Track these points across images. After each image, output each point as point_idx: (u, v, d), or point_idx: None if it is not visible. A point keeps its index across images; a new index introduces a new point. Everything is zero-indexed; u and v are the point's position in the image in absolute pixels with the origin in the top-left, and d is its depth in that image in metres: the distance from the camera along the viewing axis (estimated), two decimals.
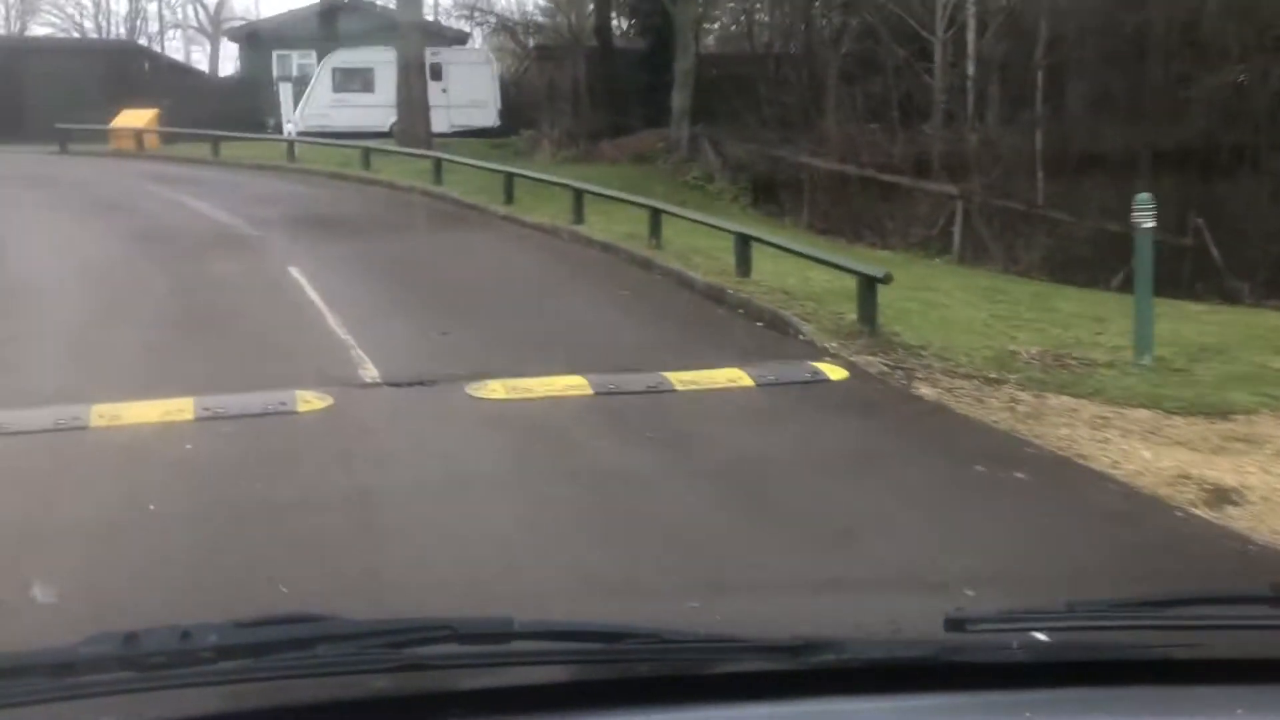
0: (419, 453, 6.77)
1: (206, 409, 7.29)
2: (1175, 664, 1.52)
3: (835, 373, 8.55)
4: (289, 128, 34.33)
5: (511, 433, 7.10)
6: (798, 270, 12.09)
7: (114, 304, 10.68)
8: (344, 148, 23.38)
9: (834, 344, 9.29)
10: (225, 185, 19.67)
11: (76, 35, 50.87)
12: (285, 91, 26.75)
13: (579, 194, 15.59)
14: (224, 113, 36.18)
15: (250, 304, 10.77)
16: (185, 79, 39.74)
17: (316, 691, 1.36)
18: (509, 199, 17.51)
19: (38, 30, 55.73)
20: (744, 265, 11.61)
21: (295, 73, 38.34)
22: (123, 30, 52.32)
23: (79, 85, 35.28)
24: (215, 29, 59.11)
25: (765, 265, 11.79)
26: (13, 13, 59.90)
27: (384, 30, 37.87)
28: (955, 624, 1.56)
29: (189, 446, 6.68)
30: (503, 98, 34.80)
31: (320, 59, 37.81)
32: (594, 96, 28.56)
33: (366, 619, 1.52)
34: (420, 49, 26.45)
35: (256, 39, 38.05)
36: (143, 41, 43.93)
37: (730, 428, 7.35)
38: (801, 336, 9.67)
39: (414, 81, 26.15)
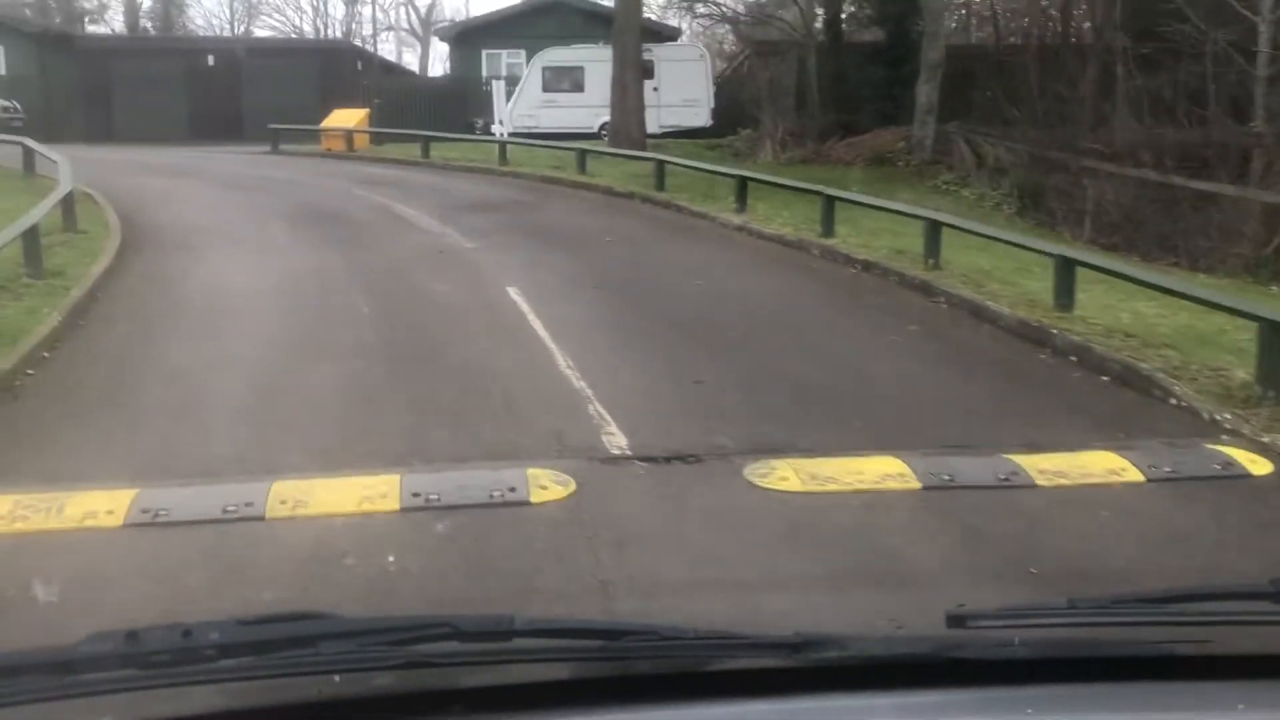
0: (703, 593, 4.74)
1: (415, 494, 5.48)
2: (1177, 660, 1.49)
3: (1254, 463, 6.13)
4: (497, 128, 33.41)
5: (827, 559, 4.98)
6: (1121, 302, 9.62)
7: (310, 329, 9.12)
8: (556, 149, 21.87)
9: (1228, 415, 6.83)
10: (435, 189, 18.30)
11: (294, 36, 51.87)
12: (499, 90, 25.44)
13: (829, 201, 13.40)
14: (433, 113, 35.58)
15: (465, 334, 9.02)
16: (396, 79, 39.39)
17: (318, 689, 1.34)
18: (741, 206, 15.51)
19: (258, 34, 57.35)
20: (1066, 296, 9.17)
21: (505, 72, 37.47)
22: (339, 35, 53.07)
23: (293, 86, 35.23)
24: (425, 30, 59.58)
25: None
26: (236, 16, 61.93)
27: (594, 27, 36.63)
28: (956, 620, 1.53)
29: (391, 560, 4.84)
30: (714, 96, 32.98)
31: (530, 58, 36.79)
32: (821, 92, 26.27)
33: (368, 617, 1.54)
34: (638, 46, 24.73)
35: (466, 38, 37.30)
36: (356, 43, 44.04)
37: (1148, 558, 5.05)
38: (1175, 401, 7.22)
39: (630, 80, 24.47)
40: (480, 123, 34.26)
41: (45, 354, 8.02)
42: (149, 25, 59.43)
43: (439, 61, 61.94)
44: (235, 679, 1.35)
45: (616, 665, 1.45)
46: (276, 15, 64.63)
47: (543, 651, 1.46)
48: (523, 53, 37.05)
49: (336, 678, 1.36)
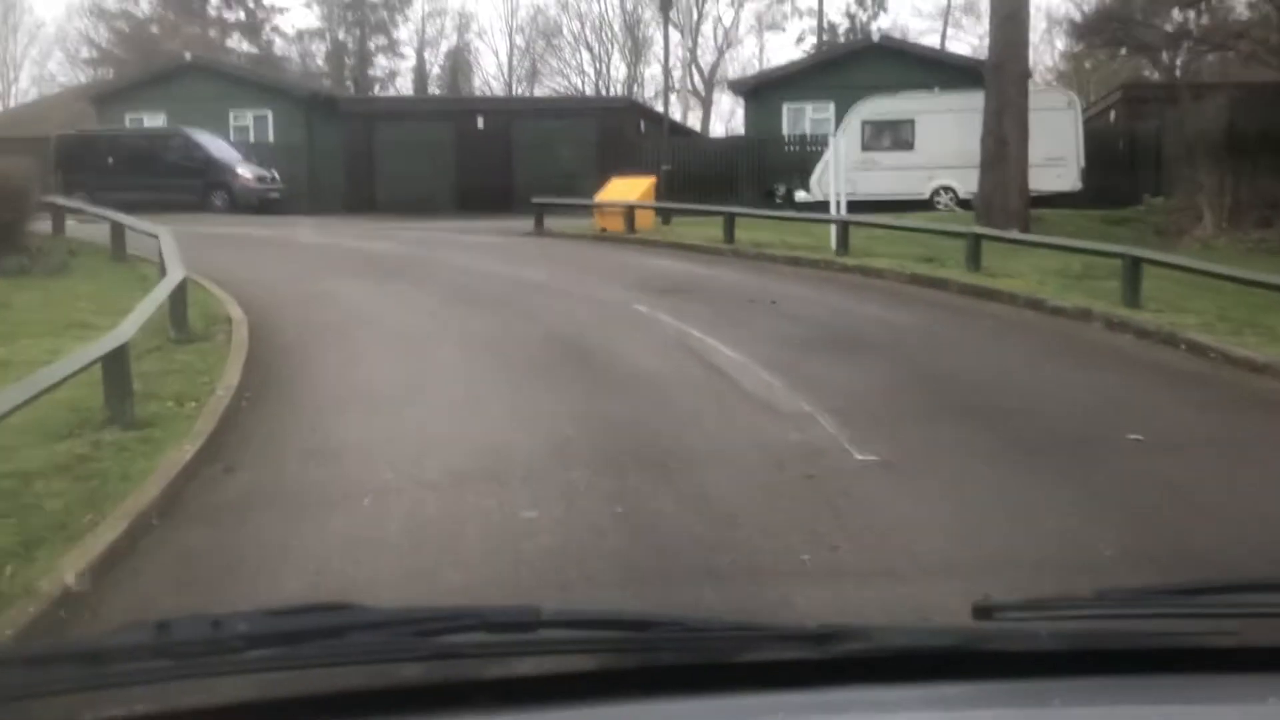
0: None
1: None
2: (1205, 653, 1.45)
3: None
4: (803, 195, 26.77)
5: None
6: None
7: None
8: (914, 231, 15.03)
9: None
10: (756, 301, 11.49)
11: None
12: (836, 149, 18.58)
13: None
14: (724, 178, 29.52)
15: None
16: (681, 141, 33.65)
17: (346, 680, 1.32)
18: None
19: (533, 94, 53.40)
20: None
21: (808, 129, 30.95)
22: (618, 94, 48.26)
23: (569, 150, 29.87)
24: (708, 88, 54.18)
25: None
26: (516, 77, 58.51)
27: (916, 73, 29.56)
28: (983, 612, 1.49)
29: None
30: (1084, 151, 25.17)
31: (838, 111, 30.01)
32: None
33: (395, 608, 1.50)
34: (1023, 87, 17.51)
35: (763, 92, 31.03)
36: (638, 100, 38.54)
37: None
38: None
39: (1011, 132, 17.22)
40: (781, 189, 27.76)
41: None
42: (438, 93, 57.05)
43: (720, 120, 56.51)
44: (264, 669, 1.31)
45: (643, 656, 1.40)
46: (558, 78, 61.05)
47: (569, 642, 1.41)
48: (830, 106, 30.38)
49: (364, 668, 1.32)
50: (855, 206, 25.06)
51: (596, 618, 1.50)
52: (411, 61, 62.58)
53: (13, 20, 57.54)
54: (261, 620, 1.37)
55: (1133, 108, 28.17)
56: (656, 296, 11.37)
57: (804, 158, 28.77)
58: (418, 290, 11.58)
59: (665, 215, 18.58)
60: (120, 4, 57.98)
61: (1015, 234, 13.60)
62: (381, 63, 62.75)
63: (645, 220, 18.28)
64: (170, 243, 10.58)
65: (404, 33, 62.16)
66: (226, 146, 29.32)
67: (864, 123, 26.41)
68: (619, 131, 29.35)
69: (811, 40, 52.22)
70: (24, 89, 56.46)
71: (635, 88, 57.84)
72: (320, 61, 61.21)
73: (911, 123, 26.25)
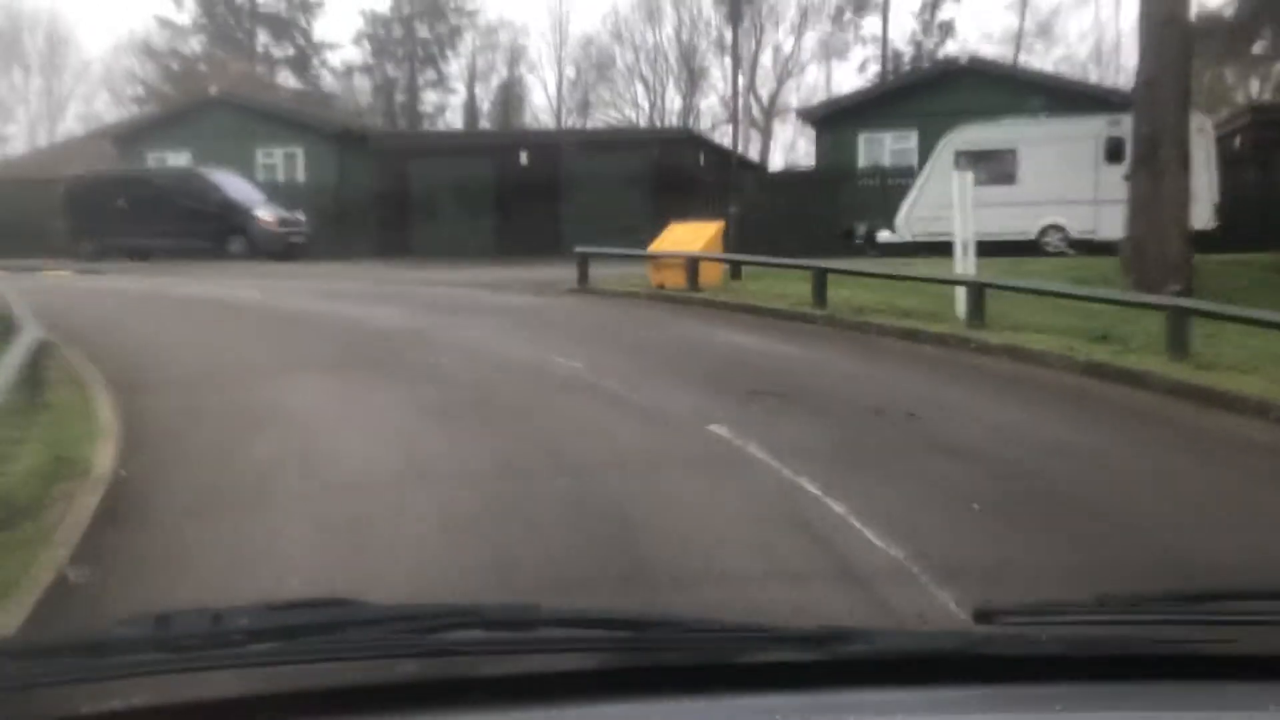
0: None
1: None
2: (1206, 659, 1.42)
3: None
4: (888, 236, 23.11)
5: None
6: None
7: None
8: (1074, 300, 11.37)
9: None
10: (889, 417, 7.57)
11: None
12: (960, 187, 14.96)
13: None
14: (794, 217, 25.96)
15: None
16: (745, 175, 30.16)
17: (344, 675, 1.31)
18: None
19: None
20: None
21: (887, 160, 27.30)
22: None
23: (621, 186, 26.49)
24: (767, 118, 50.70)
25: None
26: (565, 111, 55.44)
27: (1014, 96, 25.85)
28: (984, 616, 1.48)
29: None
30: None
31: (923, 140, 26.38)
32: None
33: (394, 604, 1.50)
34: (1183, 109, 13.80)
35: (837, 120, 27.46)
36: (696, 131, 35.05)
37: None
38: None
39: (1168, 165, 13.53)
40: (861, 229, 24.14)
41: None
42: (484, 127, 54.21)
43: (780, 152, 52.96)
44: (263, 664, 1.31)
45: (641, 656, 1.38)
46: (610, 111, 57.94)
47: (568, 641, 1.39)
48: (912, 135, 26.74)
49: (362, 664, 1.32)
50: (947, 249, 21.43)
51: (595, 617, 1.48)
52: (462, 96, 59.97)
53: (59, 59, 55.79)
54: (261, 615, 1.36)
55: (1264, 132, 24.18)
56: (739, 404, 7.76)
57: (885, 193, 25.12)
58: (405, 397, 8.03)
59: (735, 268, 15.07)
60: (169, 41, 56.06)
61: (1233, 309, 9.71)
62: (431, 98, 60.15)
63: (712, 274, 14.76)
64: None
65: (454, 67, 59.53)
66: (246, 187, 26.29)
67: (958, 154, 22.66)
68: (677, 166, 25.90)
69: (875, 69, 48.66)
70: (70, 129, 54.48)
71: (691, 120, 54.62)
72: (369, 97, 58.82)
73: (1013, 152, 22.50)
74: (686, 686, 1.32)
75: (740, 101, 39.36)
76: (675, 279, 14.74)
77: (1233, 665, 1.40)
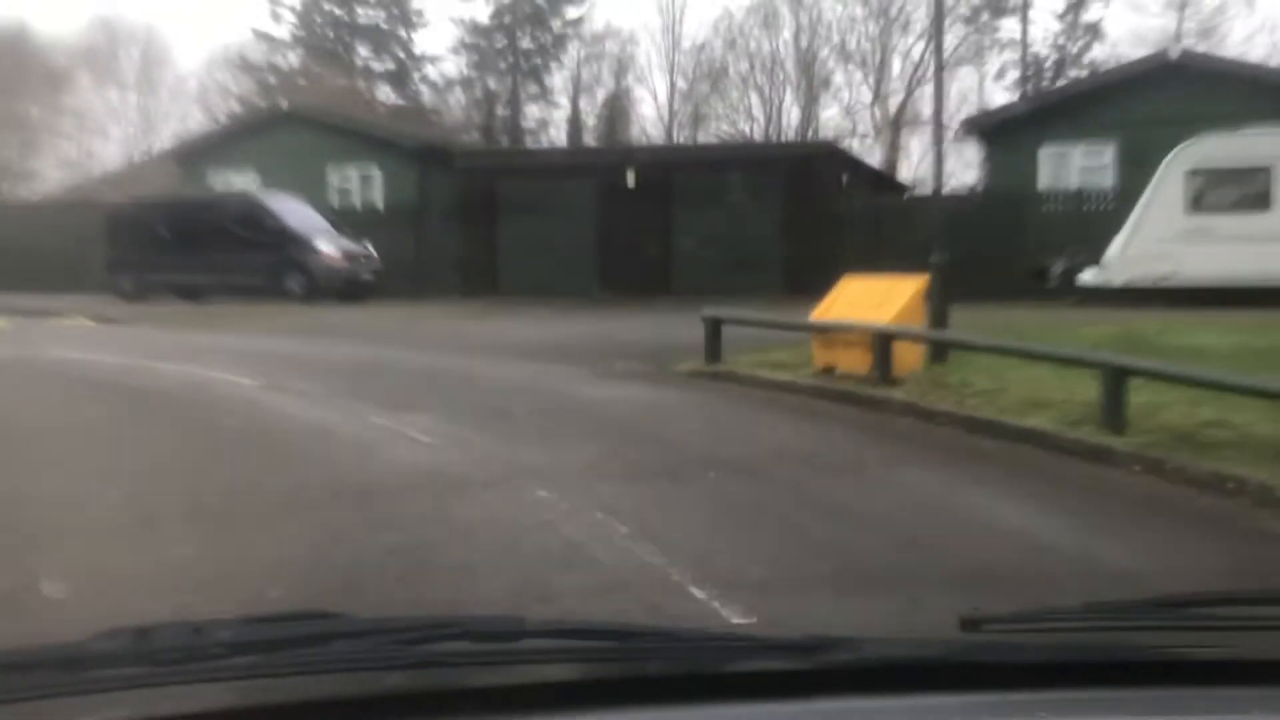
0: None
1: None
2: (1193, 665, 1.41)
3: None
4: (1093, 276, 17.80)
5: None
6: None
7: None
8: None
9: None
10: None
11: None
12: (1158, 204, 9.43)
13: None
14: (963, 252, 20.74)
15: None
16: (894, 199, 24.97)
17: (328, 688, 1.25)
18: None
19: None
20: None
21: (1075, 179, 21.92)
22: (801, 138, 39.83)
23: (747, 212, 21.74)
24: (894, 131, 45.14)
25: None
26: (676, 125, 50.79)
27: (1234, 100, 20.31)
28: (970, 624, 1.46)
29: None
30: None
31: (1123, 155, 21.03)
32: None
33: (378, 617, 1.48)
34: None
35: (1009, 131, 22.25)
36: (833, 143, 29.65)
37: None
38: None
39: None
40: (1057, 267, 18.89)
41: None
42: (590, 144, 49.96)
43: (908, 169, 47.28)
44: (245, 677, 1.26)
45: (628, 666, 1.36)
46: (723, 124, 53.13)
47: (554, 652, 1.37)
48: (1108, 149, 21.34)
49: (346, 676, 1.27)
50: (1179, 296, 16.03)
51: (581, 627, 1.46)
52: (565, 110, 55.90)
53: (155, 75, 53.30)
54: (243, 627, 1.33)
55: None
56: None
57: (1078, 220, 19.84)
58: None
59: (939, 348, 10.01)
60: (266, 56, 53.23)
61: None
62: (534, 112, 56.25)
63: (909, 355, 9.79)
64: None
65: (557, 79, 55.45)
66: (308, 213, 22.12)
67: (1189, 173, 17.27)
68: (815, 187, 20.93)
69: (1013, 75, 42.94)
70: (164, 148, 51.87)
71: (810, 134, 49.57)
72: (469, 112, 55.16)
73: (1267, 171, 17.00)
74: (673, 696, 1.28)
75: (879, 112, 34.11)
76: (853, 361, 9.80)
77: (1219, 671, 1.37)
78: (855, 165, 23.63)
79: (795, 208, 20.76)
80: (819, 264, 20.66)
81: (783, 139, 41.99)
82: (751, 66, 53.18)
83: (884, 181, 26.50)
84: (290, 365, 11.08)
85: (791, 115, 51.74)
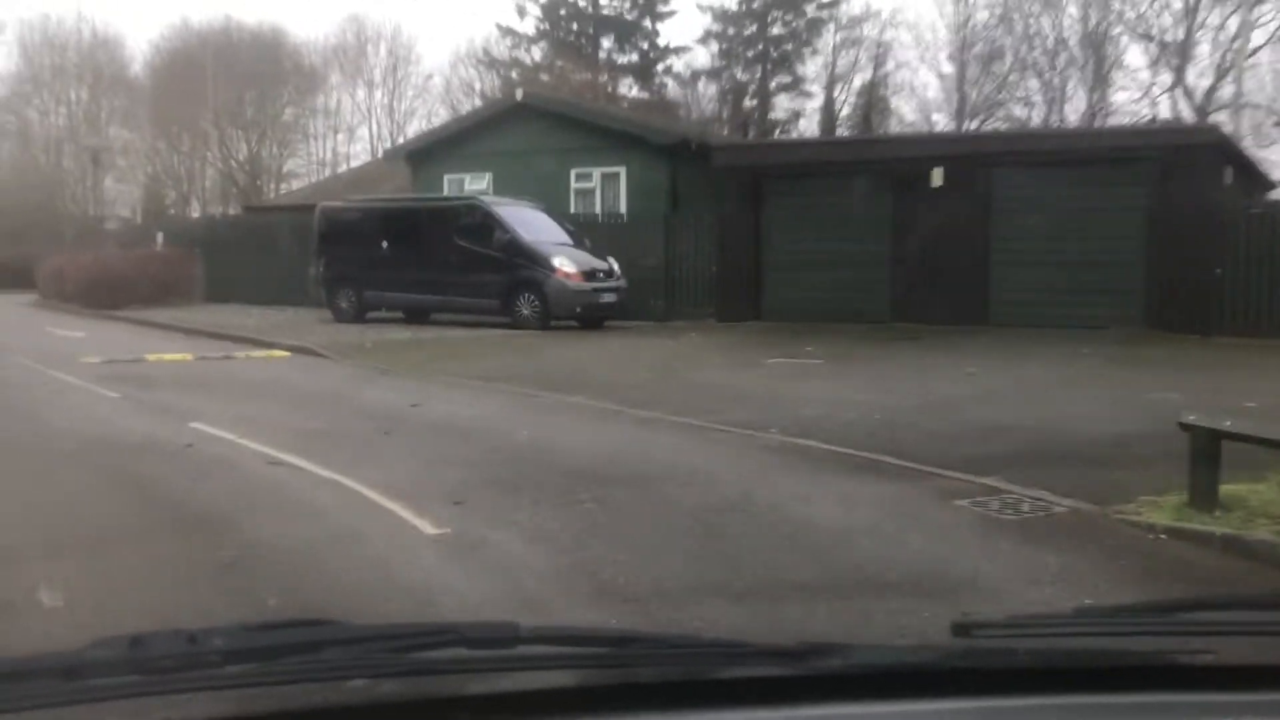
0: None
1: None
2: (1183, 670, 1.40)
3: None
4: None
5: None
6: None
7: None
8: None
9: None
10: None
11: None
12: None
13: None
14: None
15: None
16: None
17: (323, 695, 1.23)
18: None
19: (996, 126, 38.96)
20: None
21: None
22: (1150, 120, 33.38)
23: (1100, 221, 16.47)
24: (1200, 117, 37.38)
25: None
26: (970, 108, 45.01)
27: None
28: (962, 630, 1.46)
29: None
30: None
31: None
32: None
33: (373, 624, 1.46)
34: None
35: None
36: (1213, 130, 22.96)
37: None
38: None
39: None
40: None
41: None
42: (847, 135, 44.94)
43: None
44: (240, 685, 1.24)
45: (622, 672, 1.35)
46: (997, 112, 46.74)
47: (548, 659, 1.35)
48: None
49: (341, 684, 1.25)
50: None
51: (576, 634, 1.46)
52: (817, 101, 50.99)
53: (401, 73, 52.21)
54: (238, 635, 1.32)
55: None
56: None
57: None
58: None
59: None
60: (510, 51, 51.18)
61: None
62: (783, 104, 51.71)
63: None
64: None
65: (810, 68, 50.60)
66: (544, 223, 18.47)
67: None
68: (1191, 187, 15.40)
69: None
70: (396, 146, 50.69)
71: (1095, 120, 42.63)
72: (714, 105, 51.22)
73: None
74: (666, 703, 1.27)
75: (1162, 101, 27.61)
76: None
77: (1209, 676, 1.36)
78: (1240, 159, 17.79)
79: (1163, 215, 15.35)
80: (1196, 290, 15.19)
81: (1101, 125, 35.57)
82: (1029, 47, 46.75)
83: (1258, 179, 20.39)
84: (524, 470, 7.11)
85: (1076, 101, 44.88)
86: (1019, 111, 46.11)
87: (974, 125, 41.23)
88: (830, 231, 17.93)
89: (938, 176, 17.20)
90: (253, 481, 6.84)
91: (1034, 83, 46.71)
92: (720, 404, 9.95)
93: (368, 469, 7.08)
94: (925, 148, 18.80)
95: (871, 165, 18.00)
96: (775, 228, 18.50)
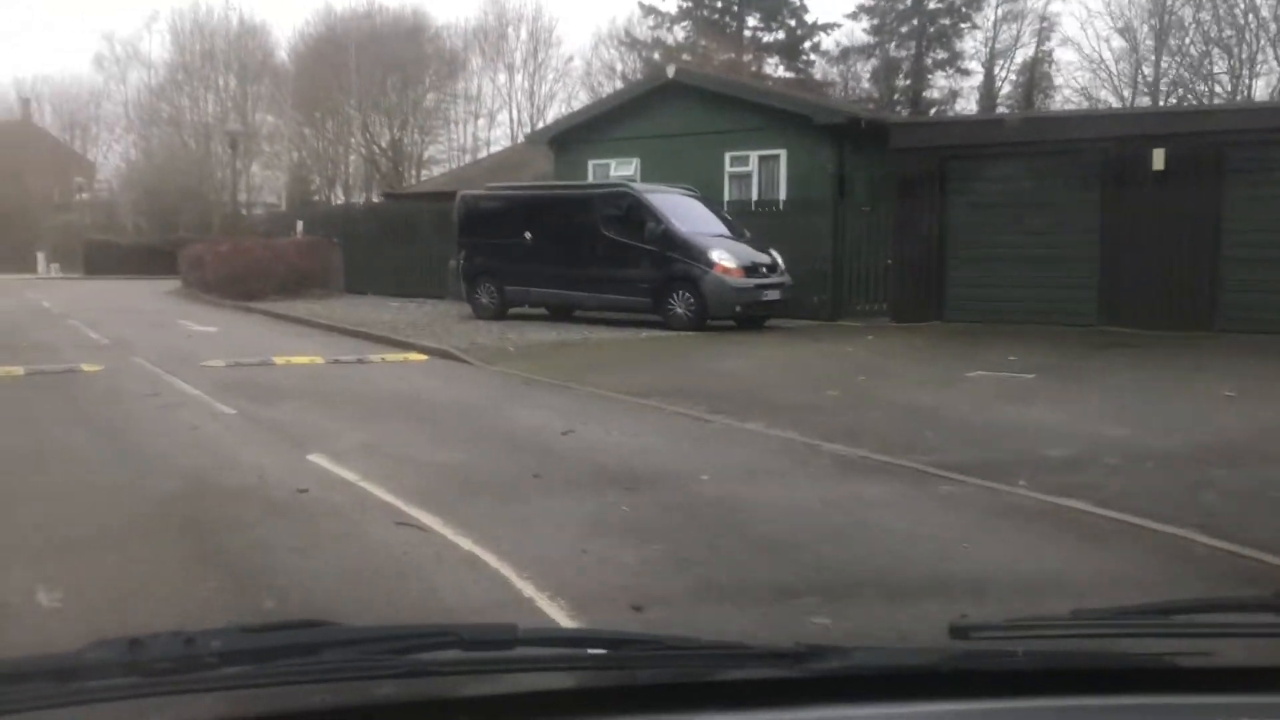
0: None
1: None
2: (1180, 672, 1.38)
3: None
4: None
5: None
6: None
7: None
8: None
9: None
10: None
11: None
12: None
13: None
14: None
15: None
16: None
17: (321, 697, 1.23)
18: None
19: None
20: None
21: None
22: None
23: None
24: None
25: None
26: (1128, 87, 41.47)
27: None
28: (960, 632, 1.44)
29: None
30: None
31: None
32: None
33: (370, 626, 1.43)
34: None
35: None
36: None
37: None
38: None
39: None
40: None
41: None
42: (1009, 112, 41.82)
43: None
44: (237, 687, 1.23)
45: (619, 675, 1.34)
46: (1174, 90, 42.79)
47: (546, 661, 1.35)
48: None
49: (338, 685, 1.25)
50: None
51: (573, 636, 1.53)
52: (975, 80, 47.83)
53: (542, 56, 51.13)
54: (235, 637, 1.28)
55: None
56: None
57: None
58: None
59: None
60: (651, 31, 49.57)
61: None
62: (939, 82, 48.73)
63: None
64: None
65: (968, 44, 47.50)
66: (699, 212, 16.71)
67: None
68: None
69: None
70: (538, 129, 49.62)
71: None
72: (866, 84, 48.55)
73: None
74: (664, 705, 1.27)
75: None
76: None
77: (1207, 677, 1.37)
78: None
79: None
80: None
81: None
82: (1215, 18, 42.70)
83: None
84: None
85: (1266, 77, 40.71)
86: (1202, 87, 42.22)
87: (1132, 102, 37.60)
88: (1026, 221, 15.69)
89: (1159, 159, 14.75)
90: (371, 553, 5.30)
91: (1218, 56, 42.73)
92: (933, 436, 8.05)
93: (514, 534, 5.48)
94: (1143, 125, 16.27)
95: (1076, 145, 15.63)
96: (961, 216, 16.33)
